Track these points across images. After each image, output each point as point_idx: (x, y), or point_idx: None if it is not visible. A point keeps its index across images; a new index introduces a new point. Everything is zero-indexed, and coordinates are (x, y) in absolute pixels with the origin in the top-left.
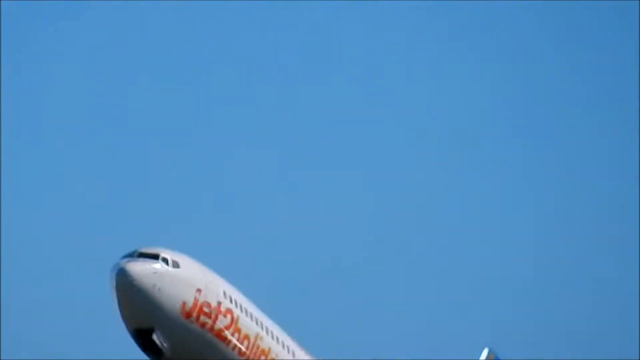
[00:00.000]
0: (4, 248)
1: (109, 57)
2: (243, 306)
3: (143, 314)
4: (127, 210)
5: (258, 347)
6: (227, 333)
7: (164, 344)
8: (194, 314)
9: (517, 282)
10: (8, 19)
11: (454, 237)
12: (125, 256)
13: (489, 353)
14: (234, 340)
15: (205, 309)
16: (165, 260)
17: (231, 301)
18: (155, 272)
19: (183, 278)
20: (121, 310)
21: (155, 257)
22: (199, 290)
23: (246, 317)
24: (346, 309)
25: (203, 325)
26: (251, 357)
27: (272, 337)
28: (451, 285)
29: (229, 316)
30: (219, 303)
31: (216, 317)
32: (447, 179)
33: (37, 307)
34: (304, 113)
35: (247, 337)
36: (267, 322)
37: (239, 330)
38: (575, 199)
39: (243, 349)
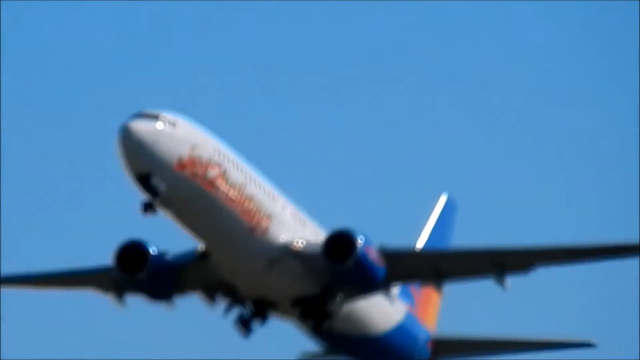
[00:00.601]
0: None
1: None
2: (232, 160)
3: (142, 161)
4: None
5: (245, 196)
6: (218, 181)
7: (161, 188)
8: (188, 165)
9: None
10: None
11: None
12: (133, 116)
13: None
14: (224, 188)
15: (198, 160)
16: (164, 120)
17: (221, 155)
18: (154, 129)
19: (178, 135)
20: (126, 160)
21: (155, 117)
22: (193, 145)
23: (234, 169)
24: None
25: (195, 174)
26: (239, 204)
27: (259, 187)
28: None
29: (218, 168)
30: (211, 157)
31: (206, 167)
32: None
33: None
34: None
35: (234, 185)
36: (254, 174)
37: (226, 180)
38: None
39: (232, 195)
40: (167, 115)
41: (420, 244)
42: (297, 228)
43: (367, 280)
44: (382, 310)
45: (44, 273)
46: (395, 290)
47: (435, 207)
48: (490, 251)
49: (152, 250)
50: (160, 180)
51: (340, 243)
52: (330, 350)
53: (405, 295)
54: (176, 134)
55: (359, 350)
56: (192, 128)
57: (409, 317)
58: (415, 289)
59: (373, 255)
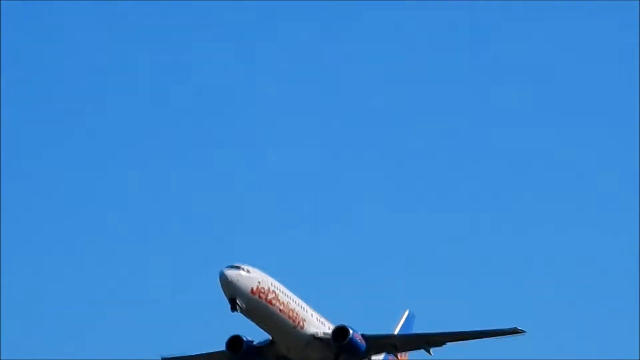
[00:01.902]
0: (4, 249)
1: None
2: (280, 289)
3: (231, 291)
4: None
5: (289, 308)
6: (273, 301)
7: (242, 305)
8: (256, 292)
9: None
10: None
11: None
12: (226, 266)
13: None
14: (277, 305)
15: (262, 290)
16: (243, 269)
17: (274, 287)
18: (237, 274)
19: (251, 277)
20: (223, 290)
21: (238, 267)
22: (259, 282)
23: (282, 294)
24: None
25: (260, 297)
26: (286, 313)
27: (297, 304)
28: None
29: (273, 294)
30: (269, 288)
31: (267, 294)
32: None
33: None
34: None
35: (283, 303)
36: (294, 297)
37: (278, 300)
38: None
39: (282, 308)
40: (245, 266)
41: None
42: (319, 326)
43: (356, 351)
44: None
45: (196, 355)
46: (378, 357)
47: (402, 316)
48: (419, 335)
49: (245, 339)
50: (241, 301)
51: (340, 332)
52: None
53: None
54: (250, 276)
55: None
56: (259, 272)
57: None
58: (391, 357)
59: (359, 338)
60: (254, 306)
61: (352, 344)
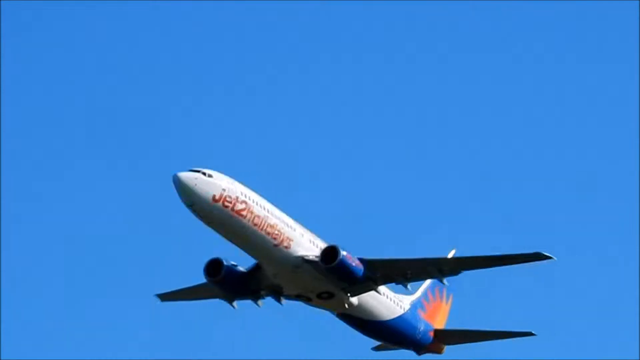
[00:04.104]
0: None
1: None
2: (257, 201)
3: (186, 197)
4: None
5: (268, 223)
6: (244, 212)
7: (201, 214)
8: (219, 200)
9: None
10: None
11: None
12: (185, 170)
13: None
14: (250, 217)
15: (227, 198)
16: (203, 173)
17: (246, 197)
18: (194, 177)
19: (213, 182)
20: (179, 196)
21: (197, 171)
22: (223, 189)
23: (257, 207)
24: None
25: (225, 206)
26: (263, 228)
27: (279, 220)
28: None
29: (244, 204)
30: (237, 197)
31: (234, 203)
32: None
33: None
34: None
35: (258, 216)
36: (278, 212)
37: (252, 213)
38: None
39: (257, 222)
40: (208, 171)
41: None
42: (312, 248)
43: (350, 275)
44: (385, 305)
45: (189, 287)
46: (409, 299)
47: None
48: (428, 260)
49: (226, 262)
50: (200, 208)
51: (329, 253)
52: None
53: (420, 304)
54: (212, 181)
55: (374, 331)
56: (226, 179)
57: (411, 313)
58: (426, 302)
59: (353, 260)
60: (216, 216)
61: (343, 266)
